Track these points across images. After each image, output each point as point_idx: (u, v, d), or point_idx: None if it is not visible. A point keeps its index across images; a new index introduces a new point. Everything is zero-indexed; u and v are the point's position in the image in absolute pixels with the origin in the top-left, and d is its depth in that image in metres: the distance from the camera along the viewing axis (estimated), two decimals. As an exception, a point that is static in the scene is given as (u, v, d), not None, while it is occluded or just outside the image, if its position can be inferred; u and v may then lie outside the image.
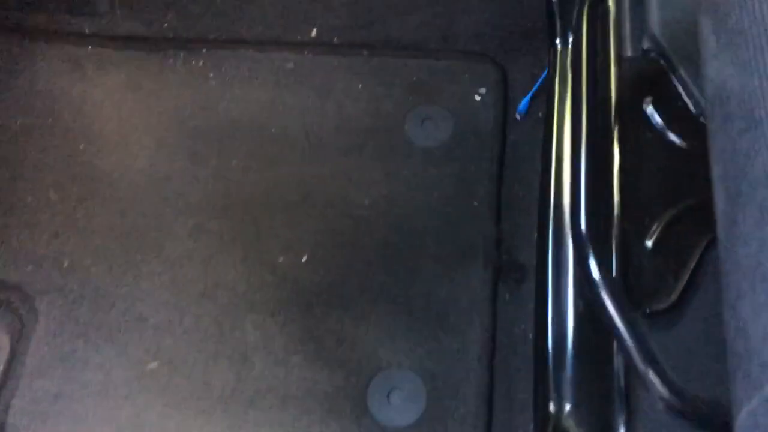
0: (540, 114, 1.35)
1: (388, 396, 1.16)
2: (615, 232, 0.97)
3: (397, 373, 1.18)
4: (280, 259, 1.26)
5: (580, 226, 0.95)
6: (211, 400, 1.15)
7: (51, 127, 1.37)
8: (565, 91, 1.17)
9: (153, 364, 1.18)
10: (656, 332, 0.90)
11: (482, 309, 1.23)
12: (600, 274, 0.89)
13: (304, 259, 1.27)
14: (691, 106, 0.97)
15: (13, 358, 1.19)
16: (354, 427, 1.14)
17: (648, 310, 0.89)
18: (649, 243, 0.95)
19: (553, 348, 1.02)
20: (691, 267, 0.94)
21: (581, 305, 1.02)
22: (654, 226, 0.96)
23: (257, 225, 1.29)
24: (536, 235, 1.14)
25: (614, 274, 0.93)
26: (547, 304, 1.03)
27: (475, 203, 1.32)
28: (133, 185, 1.32)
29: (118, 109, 1.39)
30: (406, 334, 1.21)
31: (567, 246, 1.04)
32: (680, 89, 0.98)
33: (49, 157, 1.34)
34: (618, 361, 0.96)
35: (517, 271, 1.27)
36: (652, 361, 0.83)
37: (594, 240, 0.94)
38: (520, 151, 1.36)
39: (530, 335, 1.14)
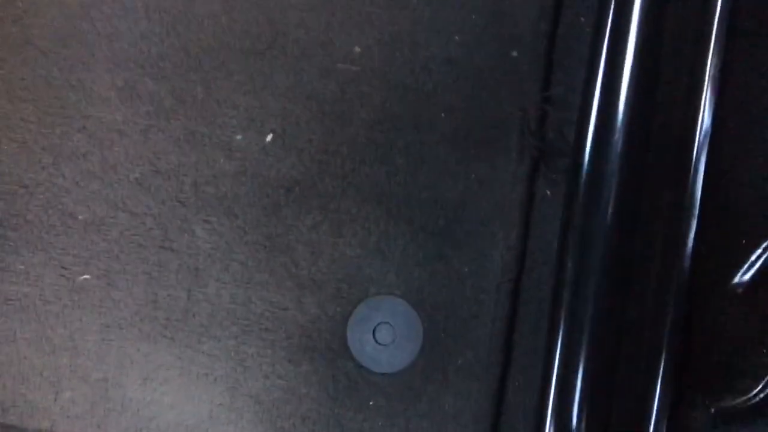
0: None
1: (373, 332, 0.91)
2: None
3: (387, 302, 0.91)
4: (238, 137, 0.94)
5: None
6: (156, 324, 0.93)
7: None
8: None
9: (85, 276, 0.95)
10: None
11: (509, 216, 0.91)
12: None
13: (269, 138, 0.94)
14: None
15: None
16: (328, 369, 0.91)
17: (718, 406, 0.58)
18: (738, 286, 0.61)
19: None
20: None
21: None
22: (748, 261, 0.61)
23: (207, 87, 0.95)
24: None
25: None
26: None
27: (514, 53, 0.92)
28: (51, 23, 0.96)
29: None
30: (401, 251, 0.92)
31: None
32: None
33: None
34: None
35: (567, 158, 0.92)
36: None
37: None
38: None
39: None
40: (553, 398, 0.75)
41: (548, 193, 0.91)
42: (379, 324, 0.91)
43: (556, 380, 0.78)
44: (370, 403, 0.90)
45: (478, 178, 0.91)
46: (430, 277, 0.91)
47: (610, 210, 0.79)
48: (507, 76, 0.92)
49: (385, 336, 0.91)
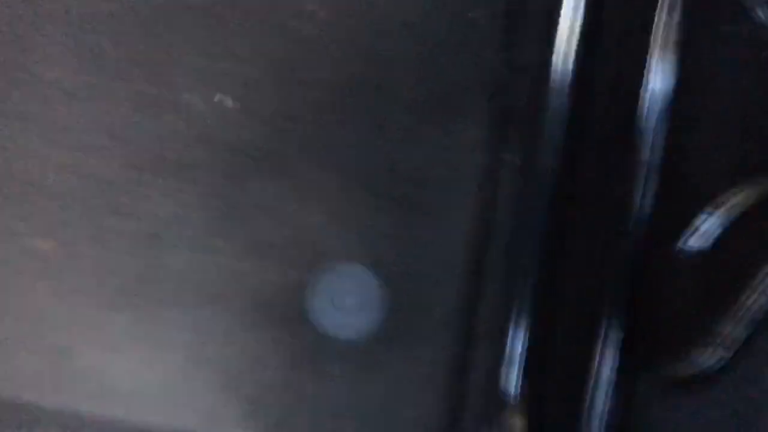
0: None
1: (334, 300, 0.91)
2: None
3: (349, 268, 0.91)
4: (195, 100, 0.91)
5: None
6: (113, 291, 0.92)
7: None
8: None
9: (39, 243, 0.92)
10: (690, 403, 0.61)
11: (472, 180, 0.90)
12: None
13: (227, 102, 0.91)
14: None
15: None
16: (288, 336, 0.91)
17: (664, 374, 0.59)
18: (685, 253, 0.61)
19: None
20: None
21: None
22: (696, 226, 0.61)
23: (161, 47, 0.91)
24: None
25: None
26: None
27: (473, 15, 0.90)
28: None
29: None
30: (362, 219, 0.91)
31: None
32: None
33: None
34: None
35: (529, 122, 0.91)
36: None
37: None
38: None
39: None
40: (501, 365, 0.76)
41: (511, 158, 0.90)
42: (339, 291, 0.90)
43: (499, 346, 0.78)
44: (332, 370, 0.90)
45: (440, 143, 0.90)
46: (392, 244, 0.90)
47: (551, 171, 0.78)
48: (467, 39, 0.89)
49: (346, 303, 0.90)
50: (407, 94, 0.90)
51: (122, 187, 0.91)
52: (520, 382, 0.73)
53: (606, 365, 0.76)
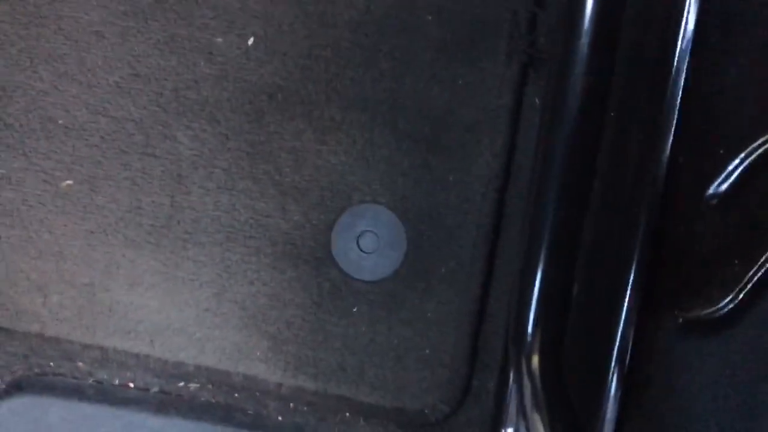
0: None
1: (357, 240, 0.91)
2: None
3: (371, 210, 0.91)
4: (219, 40, 0.91)
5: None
6: (141, 230, 0.93)
7: None
8: None
9: (68, 182, 0.94)
10: (705, 342, 0.60)
11: (496, 122, 0.90)
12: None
13: (251, 42, 0.91)
14: None
15: None
16: (312, 276, 0.92)
17: (686, 316, 0.59)
18: (713, 197, 0.60)
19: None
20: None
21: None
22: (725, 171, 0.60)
23: (185, -14, 0.91)
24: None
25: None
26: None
27: (503, -47, 0.88)
28: None
29: None
30: (385, 159, 0.91)
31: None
32: None
33: None
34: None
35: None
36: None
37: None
38: None
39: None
40: (515, 305, 0.75)
41: (536, 100, 0.89)
42: (363, 232, 0.91)
43: (518, 287, 0.77)
44: (354, 309, 0.91)
45: (465, 83, 0.89)
46: (415, 185, 0.90)
47: (577, 112, 0.76)
48: (496, -23, 0.88)
49: (369, 244, 0.91)
50: (435, 33, 0.89)
51: (148, 127, 0.92)
52: (537, 323, 0.72)
53: (628, 306, 0.76)
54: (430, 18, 0.89)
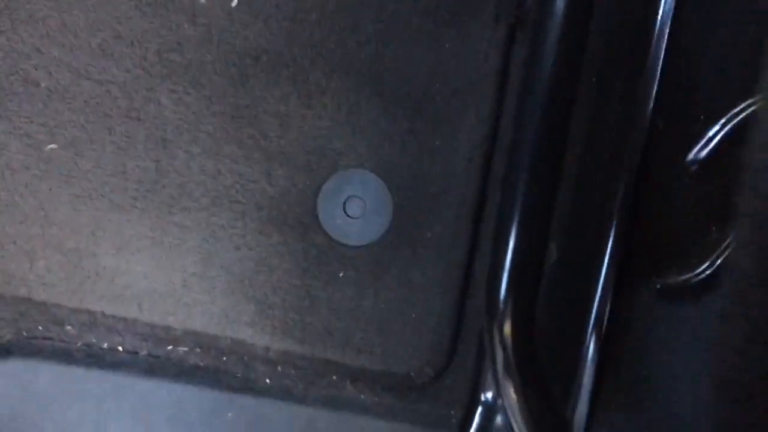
0: None
1: (344, 205, 0.91)
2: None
3: (357, 175, 0.91)
4: (202, 2, 0.90)
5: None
6: (126, 194, 0.93)
7: None
8: None
9: (52, 146, 0.93)
10: (680, 308, 0.60)
11: (484, 86, 0.89)
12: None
13: (234, 3, 0.89)
14: None
15: None
16: (299, 241, 0.92)
17: (663, 282, 0.59)
18: (692, 163, 0.60)
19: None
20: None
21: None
22: (705, 137, 0.59)
23: (167, -54, 0.89)
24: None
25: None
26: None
27: None
28: None
29: None
30: (371, 124, 0.90)
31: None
32: None
33: None
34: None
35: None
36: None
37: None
38: None
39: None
40: (487, 274, 0.75)
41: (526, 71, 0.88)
42: (349, 197, 0.91)
43: (491, 256, 0.77)
44: (340, 274, 0.91)
45: (451, 47, 0.88)
46: (401, 150, 0.89)
47: (551, 78, 0.74)
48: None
49: (355, 209, 0.91)
50: (418, -4, 0.87)
51: (132, 90, 0.91)
52: (509, 291, 0.72)
53: (606, 274, 0.76)
54: (416, -20, 0.88)
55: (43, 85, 0.92)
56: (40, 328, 0.93)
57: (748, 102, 0.64)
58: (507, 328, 0.68)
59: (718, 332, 0.58)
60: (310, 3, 0.89)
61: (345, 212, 0.91)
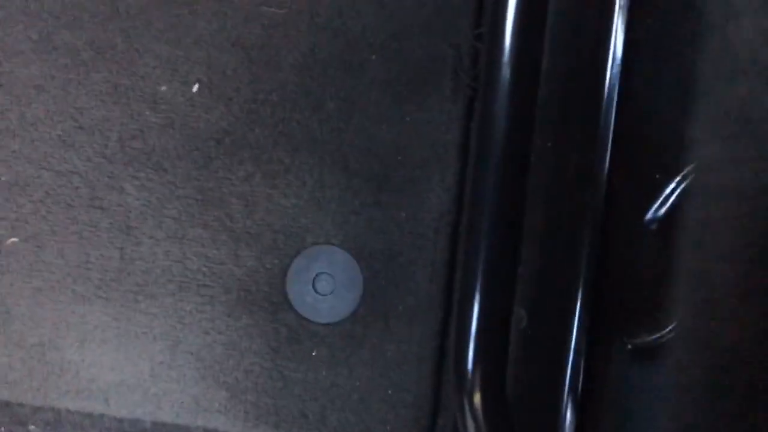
0: None
1: (313, 282, 0.90)
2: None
3: (325, 252, 0.90)
4: (162, 89, 0.91)
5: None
6: (90, 284, 0.91)
7: None
8: None
9: (13, 239, 0.91)
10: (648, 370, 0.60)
11: (446, 157, 0.90)
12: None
13: (195, 88, 0.90)
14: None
15: None
16: (269, 322, 0.90)
17: (633, 343, 0.58)
18: (652, 222, 0.60)
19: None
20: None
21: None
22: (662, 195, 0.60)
23: (127, 36, 0.90)
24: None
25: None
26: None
27: (443, -10, 0.89)
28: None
29: None
30: (337, 199, 0.90)
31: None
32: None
33: None
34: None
35: (498, 95, 0.90)
36: None
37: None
38: None
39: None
40: (452, 344, 0.73)
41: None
42: (318, 274, 0.90)
43: (455, 326, 0.75)
44: (313, 353, 0.90)
45: (412, 120, 0.89)
46: (368, 224, 0.89)
47: (503, 141, 0.74)
48: (437, 14, 0.89)
49: (325, 286, 0.90)
50: (380, 72, 0.89)
51: (94, 179, 0.91)
52: (476, 359, 0.70)
53: (577, 336, 0.75)
54: (374, 58, 0.90)
55: (3, 178, 0.91)
56: (2, 429, 0.89)
57: (700, 158, 0.65)
58: (477, 399, 0.66)
59: (698, 387, 0.58)
60: (270, 84, 0.90)
61: (315, 290, 0.90)
